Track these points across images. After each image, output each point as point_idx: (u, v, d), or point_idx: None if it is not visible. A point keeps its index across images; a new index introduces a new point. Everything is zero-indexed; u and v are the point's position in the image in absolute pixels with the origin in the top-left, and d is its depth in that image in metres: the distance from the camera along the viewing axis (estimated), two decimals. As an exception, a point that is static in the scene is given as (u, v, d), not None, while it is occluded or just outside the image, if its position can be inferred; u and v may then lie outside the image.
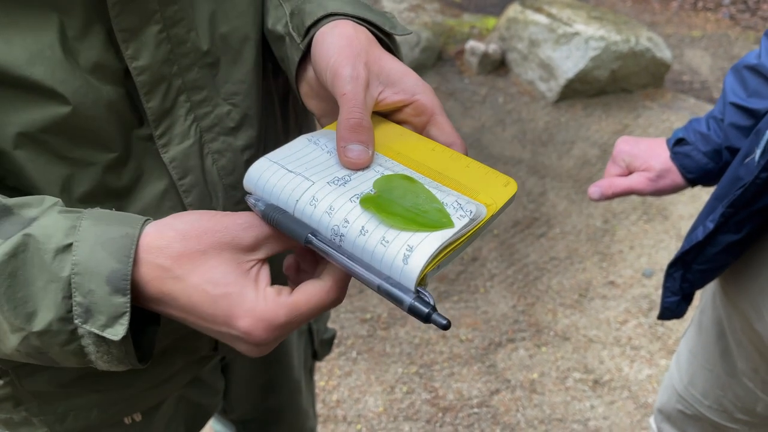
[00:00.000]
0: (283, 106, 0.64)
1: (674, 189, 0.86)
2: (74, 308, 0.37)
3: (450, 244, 0.38)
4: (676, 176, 0.85)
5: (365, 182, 0.42)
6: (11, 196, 0.42)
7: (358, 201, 0.40)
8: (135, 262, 0.39)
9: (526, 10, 3.25)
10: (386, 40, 0.51)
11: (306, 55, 0.50)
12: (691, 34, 4.02)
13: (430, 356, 1.86)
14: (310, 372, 1.01)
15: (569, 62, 2.97)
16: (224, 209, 0.56)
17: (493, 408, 1.72)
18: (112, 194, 0.50)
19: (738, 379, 0.88)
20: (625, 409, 1.71)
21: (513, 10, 3.31)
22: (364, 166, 0.43)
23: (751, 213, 0.70)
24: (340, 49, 0.46)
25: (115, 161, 0.49)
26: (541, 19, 3.15)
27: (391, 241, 0.38)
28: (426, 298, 0.38)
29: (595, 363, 1.83)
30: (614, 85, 3.08)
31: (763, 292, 0.76)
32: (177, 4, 0.48)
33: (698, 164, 0.83)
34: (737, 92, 0.80)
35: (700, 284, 0.82)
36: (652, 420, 1.13)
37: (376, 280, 0.38)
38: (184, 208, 0.54)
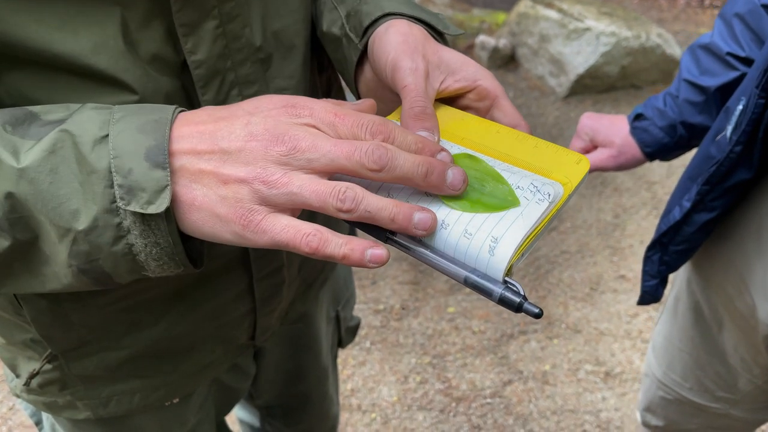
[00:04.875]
0: None
1: (635, 163, 0.92)
2: (116, 189, 0.37)
3: (533, 230, 0.38)
4: (635, 151, 0.90)
5: None
6: None
7: (433, 194, 0.40)
8: (171, 139, 0.38)
9: (536, 6, 3.25)
10: (439, 39, 0.52)
11: (362, 55, 0.52)
12: (699, 32, 4.02)
13: (443, 347, 1.87)
14: (335, 359, 1.03)
15: (580, 58, 2.98)
16: None
17: (505, 398, 1.74)
18: None
19: (719, 358, 0.90)
20: (636, 401, 1.73)
21: (524, 5, 3.31)
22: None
23: (725, 190, 0.73)
24: (397, 45, 0.47)
25: None
26: (552, 14, 3.15)
27: (474, 234, 0.38)
28: (515, 288, 0.38)
29: (606, 355, 1.85)
30: (624, 81, 3.08)
31: (740, 269, 0.78)
32: (234, 1, 0.49)
33: (655, 138, 0.88)
34: (691, 70, 0.85)
35: (676, 266, 0.85)
36: (638, 414, 1.14)
37: (463, 273, 0.38)
38: None
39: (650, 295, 0.89)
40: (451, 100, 0.50)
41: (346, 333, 1.00)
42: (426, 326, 1.94)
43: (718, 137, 0.72)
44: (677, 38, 3.77)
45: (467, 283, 0.38)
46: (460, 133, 0.46)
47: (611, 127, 0.91)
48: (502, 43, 3.25)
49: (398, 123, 0.47)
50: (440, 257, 0.39)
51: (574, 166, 0.43)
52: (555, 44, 3.07)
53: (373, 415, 1.69)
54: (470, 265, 0.39)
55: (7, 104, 0.43)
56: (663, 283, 0.88)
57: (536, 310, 0.37)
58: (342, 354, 1.84)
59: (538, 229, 0.39)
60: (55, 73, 0.43)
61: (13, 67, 0.42)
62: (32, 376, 0.60)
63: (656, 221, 2.34)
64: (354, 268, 2.10)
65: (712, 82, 0.82)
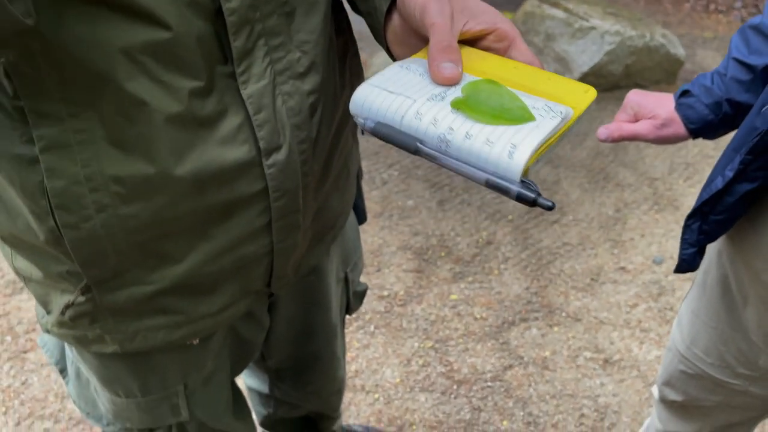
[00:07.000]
0: (341, 62, 0.70)
1: (677, 139, 0.93)
2: None
3: (546, 140, 0.44)
4: (679, 127, 0.91)
5: (459, 95, 0.48)
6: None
7: (458, 111, 0.46)
8: None
9: (542, 5, 3.30)
10: None
11: (391, 5, 0.57)
12: (703, 35, 4.06)
13: (446, 332, 1.91)
14: (343, 321, 1.07)
15: (585, 56, 3.03)
16: (290, 147, 0.62)
17: (506, 382, 1.77)
18: (196, 121, 0.56)
19: (742, 333, 0.92)
20: (633, 388, 1.76)
21: (530, 5, 3.36)
22: (455, 82, 0.50)
23: (767, 161, 0.75)
24: None
25: (200, 90, 0.55)
26: (558, 13, 3.20)
27: (495, 142, 0.44)
28: (531, 186, 0.43)
29: (605, 343, 1.88)
30: (628, 80, 3.12)
31: None
32: None
33: (700, 115, 0.89)
34: (740, 49, 0.87)
35: (715, 235, 0.87)
36: (654, 389, 1.17)
37: (484, 175, 0.44)
38: (256, 142, 0.60)
39: (687, 263, 0.91)
40: (473, 42, 0.55)
41: (354, 297, 1.04)
42: (429, 312, 1.97)
43: (764, 109, 0.75)
44: (682, 41, 3.81)
45: (488, 184, 0.44)
46: (481, 68, 0.52)
47: (657, 103, 0.93)
48: (508, 41, 3.30)
49: (425, 59, 0.52)
50: (464, 163, 0.45)
51: (582, 94, 0.49)
52: (560, 43, 3.11)
53: (376, 395, 1.73)
54: (491, 169, 0.44)
55: (45, 36, 0.47)
56: (701, 252, 0.90)
57: (549, 203, 0.42)
58: (346, 336, 1.88)
59: (552, 140, 0.45)
60: (96, 6, 0.48)
61: None
62: (67, 306, 0.64)
63: (657, 216, 2.38)
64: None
65: (759, 61, 0.85)
